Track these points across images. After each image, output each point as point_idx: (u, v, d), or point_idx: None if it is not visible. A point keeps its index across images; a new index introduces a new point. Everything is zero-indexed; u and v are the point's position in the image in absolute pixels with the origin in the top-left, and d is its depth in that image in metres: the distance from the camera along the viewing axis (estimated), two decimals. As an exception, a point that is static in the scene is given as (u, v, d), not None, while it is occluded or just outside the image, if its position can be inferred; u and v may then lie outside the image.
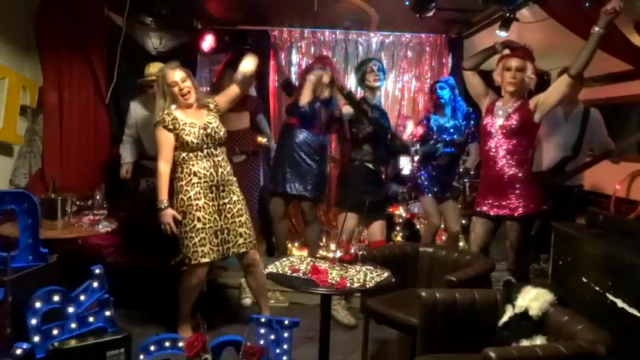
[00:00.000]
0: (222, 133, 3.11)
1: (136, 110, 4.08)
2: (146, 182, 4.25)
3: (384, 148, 3.85)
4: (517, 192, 3.05)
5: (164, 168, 3.02)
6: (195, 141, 3.01)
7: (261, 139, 4.62)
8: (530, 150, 3.14)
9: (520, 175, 3.05)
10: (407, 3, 3.70)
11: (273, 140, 4.69)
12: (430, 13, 3.72)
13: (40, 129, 3.95)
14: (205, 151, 3.06)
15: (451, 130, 4.06)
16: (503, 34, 3.77)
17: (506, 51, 3.16)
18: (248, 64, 3.20)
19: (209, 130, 3.06)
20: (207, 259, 3.07)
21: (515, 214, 3.06)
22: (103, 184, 4.37)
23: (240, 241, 3.14)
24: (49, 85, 3.89)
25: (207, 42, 4.88)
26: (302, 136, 4.08)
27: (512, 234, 3.13)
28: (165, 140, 3.02)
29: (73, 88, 3.95)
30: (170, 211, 3.02)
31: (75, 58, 3.94)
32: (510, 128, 3.03)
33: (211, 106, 3.18)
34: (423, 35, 5.37)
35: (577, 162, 3.78)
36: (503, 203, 3.08)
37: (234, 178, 3.19)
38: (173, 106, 3.08)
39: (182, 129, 3.01)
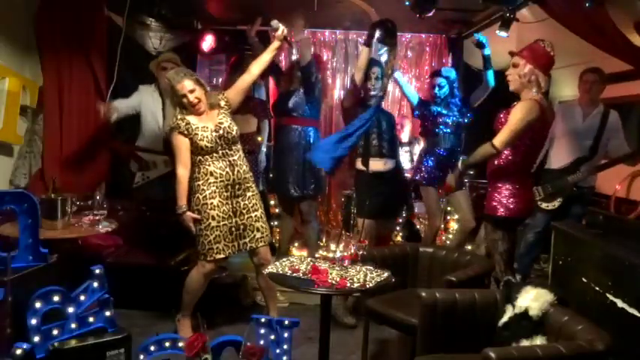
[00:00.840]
0: (234, 133, 3.12)
1: (144, 96, 4.11)
2: (141, 175, 4.24)
3: (391, 148, 3.85)
4: (498, 192, 3.04)
5: (183, 172, 3.05)
6: (209, 145, 3.04)
7: (261, 139, 4.64)
8: (517, 153, 3.04)
9: (503, 175, 3.03)
10: (407, 3, 3.69)
11: (265, 143, 4.71)
12: (430, 13, 3.71)
13: (40, 129, 3.95)
14: (220, 152, 3.09)
15: (449, 115, 4.07)
16: (503, 34, 3.77)
17: None
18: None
19: (221, 132, 3.07)
20: (222, 255, 3.12)
21: (490, 213, 3.06)
22: (103, 184, 4.38)
23: (258, 235, 3.19)
24: (49, 85, 3.89)
25: (207, 42, 4.88)
26: (294, 134, 4.08)
27: (485, 232, 3.12)
28: (182, 145, 3.04)
29: (73, 88, 3.95)
30: (189, 215, 3.05)
31: (75, 58, 3.93)
32: (496, 128, 3.04)
33: (222, 103, 3.17)
34: (423, 35, 5.36)
35: (592, 163, 3.73)
36: (489, 202, 3.10)
37: (250, 175, 3.22)
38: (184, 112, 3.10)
39: (195, 134, 3.03)
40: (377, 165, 3.80)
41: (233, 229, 3.13)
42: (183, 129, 3.03)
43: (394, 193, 3.93)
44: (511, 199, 3.01)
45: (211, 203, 3.06)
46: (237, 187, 3.12)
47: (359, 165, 3.84)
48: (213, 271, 3.21)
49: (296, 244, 4.61)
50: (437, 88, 4.08)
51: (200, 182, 3.07)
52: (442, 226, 4.59)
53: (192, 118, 3.07)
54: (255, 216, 3.18)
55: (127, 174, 4.42)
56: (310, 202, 4.19)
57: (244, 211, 3.15)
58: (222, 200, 3.09)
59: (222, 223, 3.09)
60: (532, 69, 2.95)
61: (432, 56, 5.39)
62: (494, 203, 3.03)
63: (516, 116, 2.90)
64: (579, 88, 3.83)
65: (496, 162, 3.05)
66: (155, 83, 4.20)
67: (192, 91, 3.02)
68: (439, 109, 4.08)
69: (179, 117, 3.06)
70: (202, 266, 3.16)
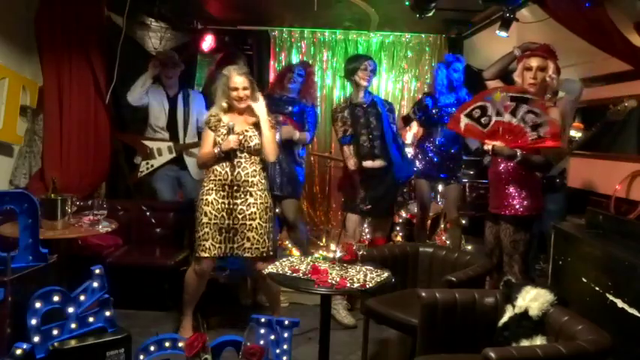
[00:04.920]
0: (252, 144, 3.12)
1: (150, 93, 4.32)
2: (146, 164, 4.33)
3: (383, 147, 3.84)
4: (519, 192, 2.99)
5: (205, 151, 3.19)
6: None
7: None
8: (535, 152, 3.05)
9: (519, 174, 2.99)
10: (407, 3, 3.70)
11: None
12: (430, 13, 3.71)
13: (40, 129, 3.95)
14: (231, 152, 3.10)
15: (454, 102, 4.01)
16: (503, 34, 3.77)
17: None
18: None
19: (242, 137, 3.11)
20: (206, 254, 3.09)
21: (512, 213, 3.01)
22: (103, 184, 4.39)
23: (247, 245, 3.12)
24: (49, 85, 3.89)
25: (207, 42, 4.90)
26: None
27: (504, 234, 3.04)
28: (208, 139, 3.17)
29: (73, 88, 3.94)
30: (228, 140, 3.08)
31: (75, 58, 3.93)
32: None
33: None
34: (423, 35, 5.37)
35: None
36: (501, 202, 3.04)
37: (256, 181, 3.14)
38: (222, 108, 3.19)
39: (219, 131, 3.12)
40: (367, 164, 3.81)
41: (223, 230, 3.11)
42: (212, 124, 3.16)
43: (385, 193, 3.91)
44: (530, 198, 2.97)
45: (206, 199, 3.10)
46: (234, 188, 3.10)
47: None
48: (205, 269, 3.18)
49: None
50: (454, 73, 4.01)
51: (204, 177, 3.17)
52: (442, 225, 4.61)
53: (225, 117, 3.16)
54: (250, 225, 3.11)
55: (127, 170, 4.48)
56: (292, 206, 4.09)
57: (239, 216, 3.11)
58: (218, 198, 3.09)
59: (212, 222, 3.09)
60: (555, 70, 2.94)
61: (432, 56, 5.40)
62: (515, 203, 2.97)
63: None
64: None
65: (512, 164, 3.00)
66: (158, 82, 4.38)
67: (244, 88, 3.13)
68: (443, 97, 4.05)
69: (213, 112, 3.20)
70: (194, 263, 3.19)
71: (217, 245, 3.10)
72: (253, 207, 3.12)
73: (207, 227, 3.09)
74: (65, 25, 3.87)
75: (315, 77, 4.35)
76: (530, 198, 2.97)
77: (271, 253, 3.18)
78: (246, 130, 3.14)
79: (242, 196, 3.11)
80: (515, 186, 2.98)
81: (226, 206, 3.10)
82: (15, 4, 3.77)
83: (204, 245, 3.09)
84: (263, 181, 3.18)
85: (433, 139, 4.09)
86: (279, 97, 4.08)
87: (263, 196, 3.16)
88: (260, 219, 3.13)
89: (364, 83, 3.78)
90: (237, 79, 3.12)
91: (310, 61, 5.10)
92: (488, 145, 2.88)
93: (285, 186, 4.02)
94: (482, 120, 2.91)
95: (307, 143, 4.23)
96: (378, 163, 3.77)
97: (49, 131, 3.91)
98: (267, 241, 3.15)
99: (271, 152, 3.15)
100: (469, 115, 2.94)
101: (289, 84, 4.09)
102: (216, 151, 3.10)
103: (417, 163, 4.15)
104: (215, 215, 3.09)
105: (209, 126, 3.17)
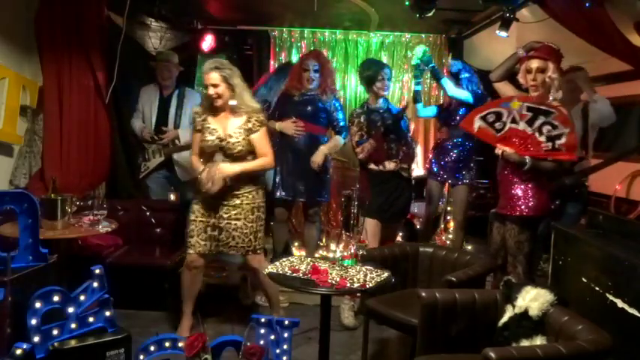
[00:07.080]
0: (235, 151, 3.05)
1: (143, 97, 4.43)
2: (144, 165, 4.44)
3: (398, 149, 3.84)
4: (524, 192, 2.97)
5: (194, 158, 3.19)
6: (207, 151, 3.10)
7: None
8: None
9: (525, 175, 2.98)
10: (407, 3, 3.70)
11: None
12: (430, 13, 3.72)
13: (40, 129, 3.95)
14: (216, 155, 3.09)
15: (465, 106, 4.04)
16: (503, 34, 3.77)
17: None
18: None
19: (224, 144, 3.05)
20: (192, 251, 3.16)
21: (517, 214, 3.00)
22: (104, 184, 4.39)
23: (232, 243, 3.14)
24: (49, 85, 3.88)
25: (207, 42, 4.90)
26: (308, 140, 4.01)
27: (509, 234, 3.03)
28: (195, 139, 3.17)
29: (73, 88, 3.94)
30: (204, 173, 3.04)
31: (75, 58, 3.93)
32: None
33: (250, 123, 3.07)
34: (423, 35, 5.37)
35: (584, 163, 3.71)
36: (507, 202, 3.02)
37: (244, 183, 3.12)
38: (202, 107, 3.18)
39: (204, 132, 3.10)
40: (388, 165, 3.81)
41: (209, 228, 3.14)
42: (197, 125, 3.13)
43: (398, 197, 3.90)
44: (536, 197, 2.95)
45: (197, 197, 3.17)
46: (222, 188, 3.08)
47: (370, 165, 3.84)
48: (192, 265, 3.19)
49: (296, 244, 4.60)
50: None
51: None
52: (442, 225, 4.61)
53: (210, 116, 3.11)
54: (235, 225, 3.10)
55: (127, 170, 4.53)
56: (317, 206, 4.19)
57: (224, 215, 3.11)
58: (207, 197, 3.11)
59: (199, 219, 3.15)
60: (555, 70, 2.93)
61: (432, 56, 5.39)
62: (521, 204, 2.96)
63: None
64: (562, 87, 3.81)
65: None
66: (155, 82, 4.42)
67: (214, 86, 3.00)
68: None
69: (197, 111, 3.15)
70: (186, 258, 3.23)
71: (203, 242, 3.15)
72: (238, 208, 3.11)
73: (193, 224, 3.15)
74: (65, 25, 3.86)
75: (330, 65, 4.33)
76: (536, 199, 2.95)
77: (259, 251, 3.18)
78: (230, 136, 3.06)
79: (229, 197, 3.10)
80: (522, 187, 2.97)
81: (213, 205, 3.12)
82: (15, 4, 3.77)
83: (190, 242, 3.16)
84: (251, 181, 3.14)
85: (452, 137, 4.11)
86: (298, 99, 4.05)
87: (250, 196, 3.13)
88: (245, 219, 3.12)
89: (383, 93, 3.85)
90: (207, 76, 3.00)
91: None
92: (499, 150, 2.92)
93: (321, 190, 4.09)
94: (497, 125, 2.94)
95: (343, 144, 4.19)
96: (394, 164, 3.79)
97: (49, 131, 3.91)
98: (252, 240, 3.15)
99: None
100: (483, 118, 2.96)
101: (309, 84, 4.03)
102: (200, 176, 3.04)
103: (434, 165, 4.19)
104: (202, 213, 3.14)
105: (195, 127, 3.13)
